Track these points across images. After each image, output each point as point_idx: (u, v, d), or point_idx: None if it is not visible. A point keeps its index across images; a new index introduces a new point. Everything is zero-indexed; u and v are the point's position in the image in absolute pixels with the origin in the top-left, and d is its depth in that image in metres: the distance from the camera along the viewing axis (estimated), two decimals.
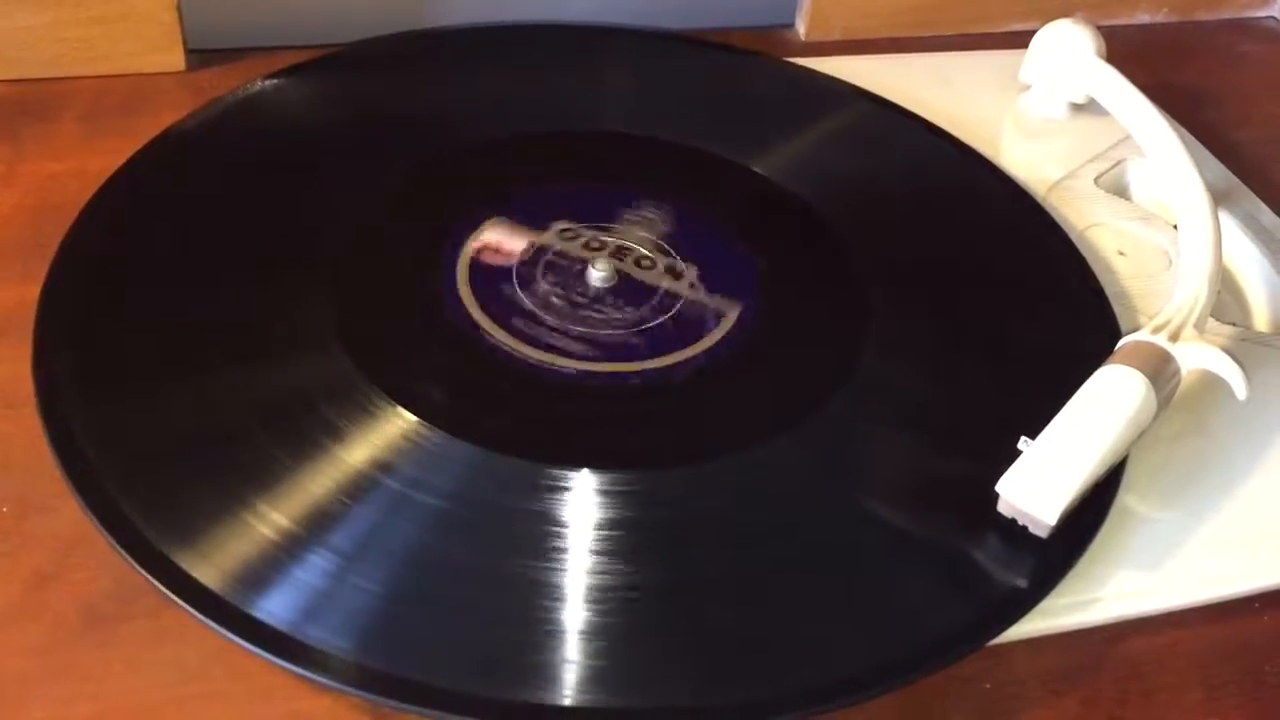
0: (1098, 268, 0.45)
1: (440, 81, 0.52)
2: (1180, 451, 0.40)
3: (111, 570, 0.33)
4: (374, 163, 0.46)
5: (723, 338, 0.41)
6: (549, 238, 0.44)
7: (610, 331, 0.41)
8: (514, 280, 0.42)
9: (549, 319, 0.41)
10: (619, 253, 0.44)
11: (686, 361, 0.40)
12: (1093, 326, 0.42)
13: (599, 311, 0.41)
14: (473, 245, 0.43)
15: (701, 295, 0.42)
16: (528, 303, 0.41)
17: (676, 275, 0.43)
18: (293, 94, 0.49)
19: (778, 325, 0.42)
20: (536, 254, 0.43)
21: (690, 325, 0.41)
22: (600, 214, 0.45)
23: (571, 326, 0.40)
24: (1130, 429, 0.36)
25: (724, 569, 0.34)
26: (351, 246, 0.42)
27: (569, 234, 0.44)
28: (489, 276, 0.42)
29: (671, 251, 0.44)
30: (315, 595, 0.32)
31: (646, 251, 0.44)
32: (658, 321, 0.41)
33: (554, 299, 0.41)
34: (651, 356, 0.40)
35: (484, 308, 0.41)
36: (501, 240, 0.43)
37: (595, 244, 0.44)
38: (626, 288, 0.42)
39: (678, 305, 0.42)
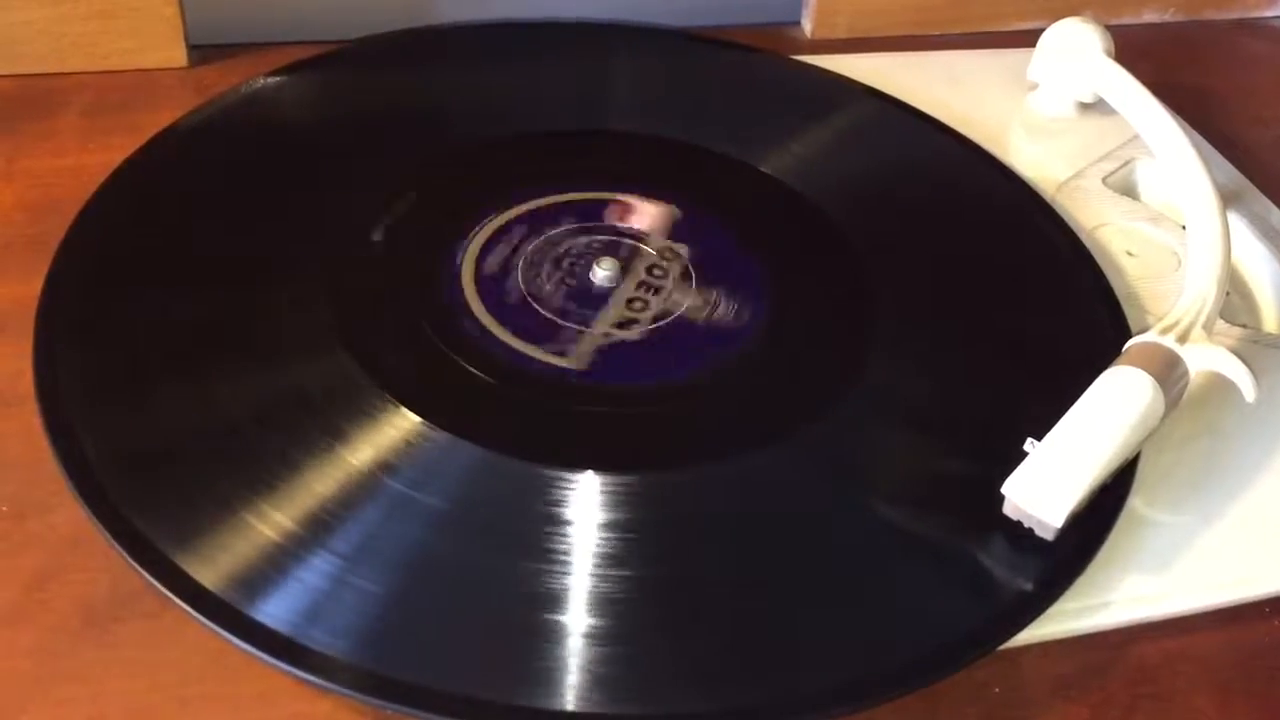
0: (1106, 268, 0.45)
1: (444, 79, 0.51)
2: (1191, 454, 0.39)
3: (111, 571, 0.33)
4: (378, 160, 0.46)
5: (729, 338, 0.41)
6: (556, 234, 0.43)
7: (616, 331, 0.40)
8: (520, 281, 0.42)
9: (555, 320, 0.40)
10: (625, 253, 0.43)
11: (692, 362, 0.40)
12: (1101, 327, 0.42)
13: (605, 311, 0.41)
14: (486, 232, 0.43)
15: (707, 295, 0.42)
16: (535, 304, 0.41)
17: (682, 276, 0.43)
18: (295, 91, 0.49)
19: (784, 325, 0.41)
20: (545, 253, 0.43)
21: (696, 326, 0.41)
22: (602, 214, 0.45)
23: (578, 327, 0.40)
24: (1137, 431, 0.35)
25: (728, 573, 0.34)
26: (354, 245, 0.42)
27: (575, 233, 0.44)
28: (495, 276, 0.41)
29: (678, 252, 0.44)
30: (316, 597, 0.31)
31: (653, 251, 0.44)
32: (664, 322, 0.41)
33: (559, 299, 0.41)
34: (657, 358, 0.40)
35: (488, 308, 0.40)
36: (515, 230, 0.43)
37: (601, 244, 0.43)
38: (632, 288, 0.42)
39: (683, 306, 0.42)
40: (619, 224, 0.44)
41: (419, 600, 0.32)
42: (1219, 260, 0.42)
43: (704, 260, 0.43)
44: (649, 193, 0.46)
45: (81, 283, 0.39)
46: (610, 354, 0.39)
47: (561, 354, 0.39)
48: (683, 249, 0.44)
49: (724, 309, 0.42)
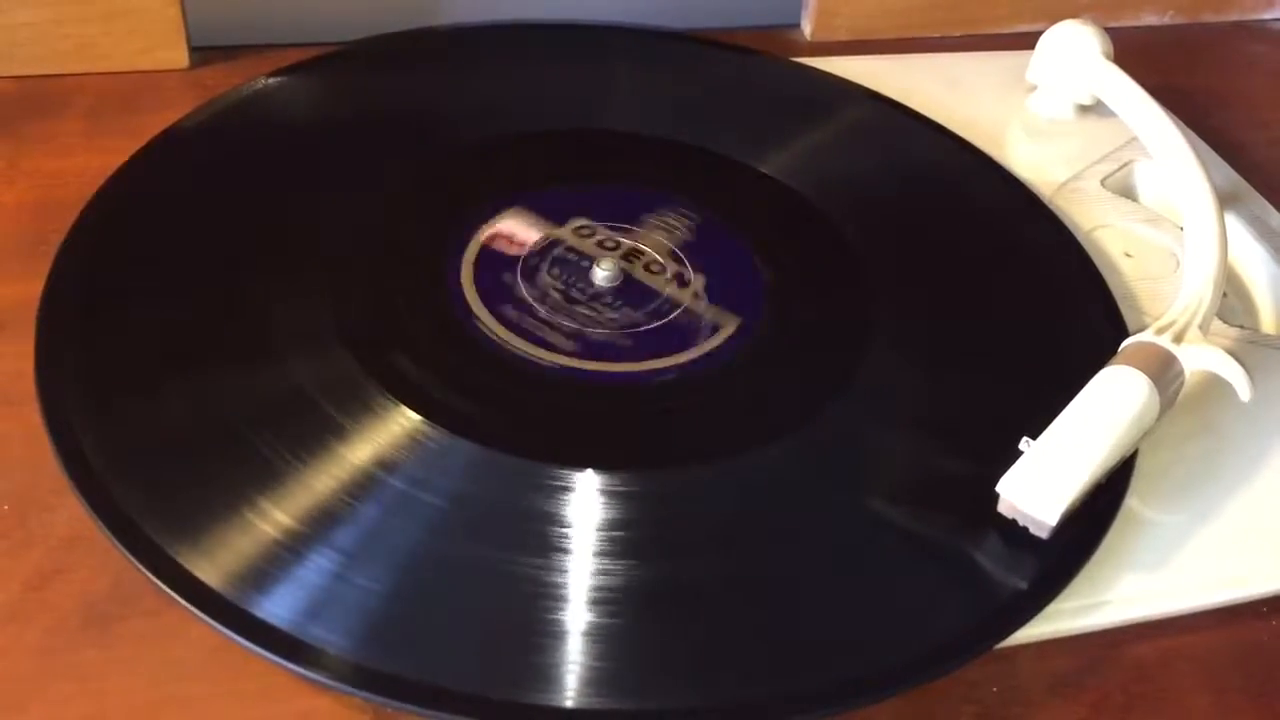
0: (1104, 269, 0.45)
1: (443, 80, 0.51)
2: (1187, 453, 0.39)
3: (112, 569, 0.33)
4: (377, 161, 0.46)
5: (729, 338, 0.41)
6: (557, 234, 0.44)
7: (617, 331, 0.40)
8: (520, 280, 0.42)
9: (556, 320, 0.40)
10: (625, 253, 0.43)
11: (691, 362, 0.40)
12: (1098, 328, 0.42)
13: (606, 311, 0.41)
14: (486, 232, 0.43)
15: (707, 297, 0.42)
16: (535, 304, 0.41)
17: (682, 276, 0.43)
18: (296, 92, 0.49)
19: (783, 326, 0.42)
20: (545, 252, 0.43)
21: (696, 326, 0.41)
22: (603, 214, 0.45)
23: (579, 327, 0.40)
24: (1132, 430, 0.36)
25: (726, 571, 0.34)
26: (354, 245, 0.42)
27: (578, 231, 0.44)
28: (495, 276, 0.42)
29: (679, 252, 0.44)
30: (317, 594, 0.31)
31: (649, 249, 0.44)
32: (664, 322, 0.41)
33: (562, 299, 0.41)
34: (657, 357, 0.40)
35: (490, 308, 0.40)
36: (515, 230, 0.43)
37: (600, 244, 0.44)
38: (633, 288, 0.42)
39: (683, 306, 0.42)
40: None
41: (420, 597, 0.32)
42: (1216, 261, 0.42)
43: (705, 262, 0.44)
44: (649, 193, 0.46)
45: (83, 283, 0.39)
46: (610, 353, 0.40)
47: (561, 353, 0.39)
48: (683, 250, 0.44)
49: (724, 310, 0.42)
